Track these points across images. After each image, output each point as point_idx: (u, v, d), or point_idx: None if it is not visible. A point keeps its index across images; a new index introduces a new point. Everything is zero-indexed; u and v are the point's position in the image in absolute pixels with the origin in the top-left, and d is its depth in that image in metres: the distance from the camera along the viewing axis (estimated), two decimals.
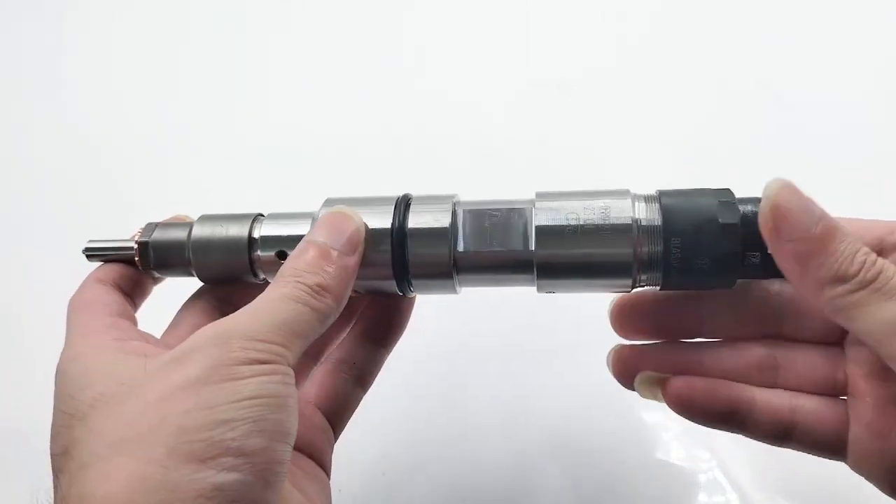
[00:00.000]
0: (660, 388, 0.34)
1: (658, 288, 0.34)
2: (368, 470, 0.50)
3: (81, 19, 0.81)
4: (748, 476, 0.48)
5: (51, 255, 0.64)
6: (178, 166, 0.70)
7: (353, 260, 0.33)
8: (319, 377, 0.39)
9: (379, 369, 0.40)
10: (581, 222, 0.33)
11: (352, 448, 0.48)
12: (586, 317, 0.53)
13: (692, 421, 0.33)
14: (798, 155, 0.57)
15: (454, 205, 0.35)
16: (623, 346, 0.36)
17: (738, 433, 0.33)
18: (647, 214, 0.33)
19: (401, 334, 0.40)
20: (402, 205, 0.35)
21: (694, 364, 0.34)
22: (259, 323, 0.29)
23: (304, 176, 0.66)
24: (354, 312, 0.41)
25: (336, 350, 0.40)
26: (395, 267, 0.35)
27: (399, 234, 0.34)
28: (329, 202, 0.36)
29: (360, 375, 0.39)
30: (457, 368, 0.55)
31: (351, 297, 0.35)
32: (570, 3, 0.76)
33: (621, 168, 0.64)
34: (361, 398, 0.39)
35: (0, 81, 0.78)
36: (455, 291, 0.36)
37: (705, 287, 0.34)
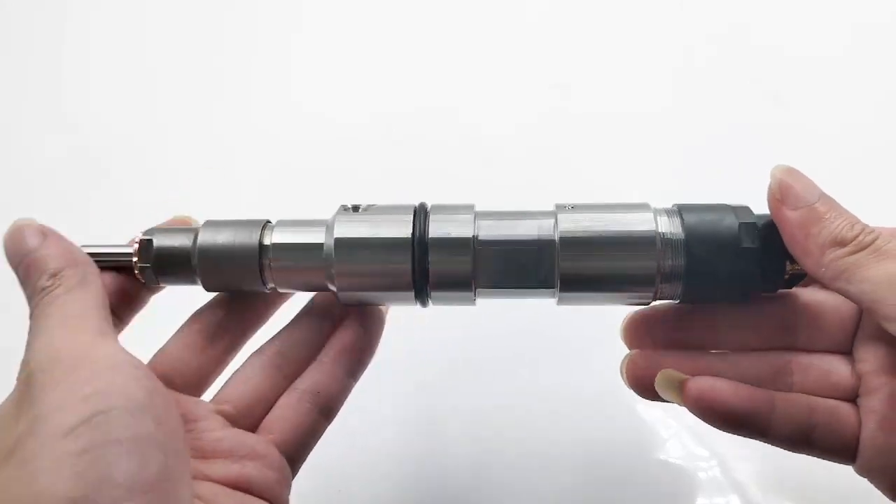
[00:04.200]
0: (679, 389, 0.33)
1: (677, 301, 0.34)
2: (368, 471, 0.50)
3: (80, 18, 0.81)
4: (748, 476, 0.48)
5: None
6: (175, 169, 0.70)
7: (46, 249, 0.33)
8: (281, 409, 0.36)
9: (345, 399, 0.38)
10: (604, 235, 0.33)
11: (351, 449, 0.48)
12: (584, 319, 0.54)
13: (712, 424, 0.33)
14: (799, 155, 0.58)
15: (476, 215, 0.35)
16: (637, 353, 0.36)
17: (757, 438, 0.33)
18: (669, 229, 0.33)
19: (368, 363, 0.39)
20: (422, 214, 0.35)
21: (711, 370, 0.34)
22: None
23: (301, 180, 0.66)
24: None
25: (300, 380, 0.37)
26: (415, 278, 0.34)
27: (421, 245, 0.34)
28: (344, 208, 0.36)
29: (325, 405, 0.37)
30: (457, 370, 0.55)
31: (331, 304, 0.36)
32: (571, 8, 0.76)
33: (625, 178, 0.64)
34: (325, 430, 0.38)
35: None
36: (473, 303, 0.36)
37: (723, 300, 0.35)
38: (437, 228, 0.34)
